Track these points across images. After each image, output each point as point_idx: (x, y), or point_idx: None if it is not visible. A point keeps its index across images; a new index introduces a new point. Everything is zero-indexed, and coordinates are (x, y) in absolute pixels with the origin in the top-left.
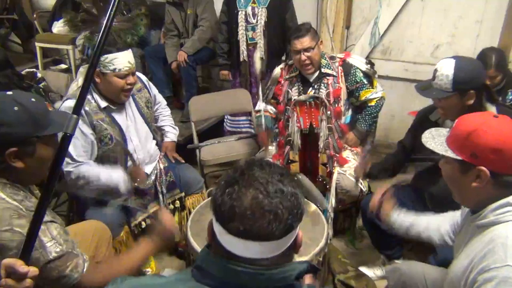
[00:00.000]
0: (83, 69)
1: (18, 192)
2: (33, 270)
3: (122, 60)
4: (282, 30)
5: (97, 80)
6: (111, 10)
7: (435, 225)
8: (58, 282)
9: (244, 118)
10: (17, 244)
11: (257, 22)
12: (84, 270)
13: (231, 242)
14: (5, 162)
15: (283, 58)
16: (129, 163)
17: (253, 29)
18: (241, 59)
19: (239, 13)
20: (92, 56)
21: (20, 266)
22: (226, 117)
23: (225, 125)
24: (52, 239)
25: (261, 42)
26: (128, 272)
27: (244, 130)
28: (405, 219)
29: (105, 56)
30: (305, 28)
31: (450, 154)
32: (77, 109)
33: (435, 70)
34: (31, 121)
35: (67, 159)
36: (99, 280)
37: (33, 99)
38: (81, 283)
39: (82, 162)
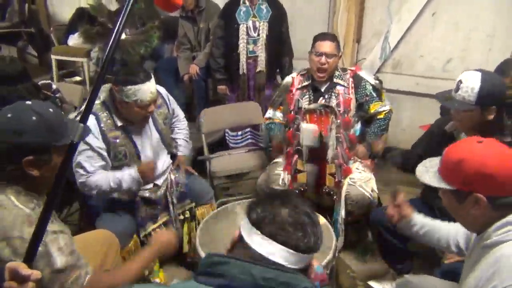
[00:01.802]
0: (104, 88)
1: (31, 200)
2: (36, 273)
3: (145, 91)
4: (280, 44)
5: (119, 107)
6: (121, 19)
7: (453, 232)
8: None
9: (243, 131)
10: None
11: (258, 35)
12: (84, 283)
13: (261, 243)
14: (21, 169)
15: (278, 70)
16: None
17: (254, 42)
18: (241, 72)
19: (240, 26)
20: (101, 66)
21: (23, 269)
22: (226, 132)
23: (228, 141)
24: (59, 249)
25: (262, 56)
26: (131, 280)
27: (245, 143)
28: (426, 222)
29: (129, 87)
30: (332, 36)
31: (444, 185)
32: (84, 118)
33: (459, 82)
34: (48, 131)
35: (80, 171)
36: None
37: (50, 109)
38: None
39: (94, 172)
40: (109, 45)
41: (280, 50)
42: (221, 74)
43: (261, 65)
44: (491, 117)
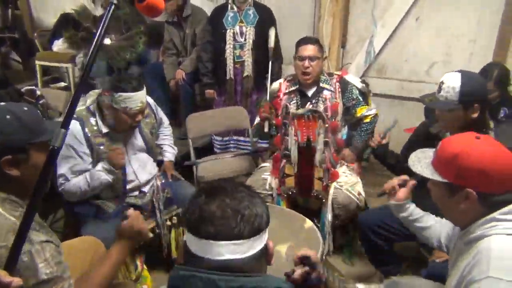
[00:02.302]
0: (93, 93)
1: (17, 209)
2: (17, 280)
3: (135, 100)
4: (267, 49)
5: (106, 112)
6: (103, 23)
7: (437, 228)
8: None
9: (228, 138)
10: None
11: (245, 40)
12: None
13: (202, 247)
14: (0, 171)
15: (267, 75)
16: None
17: (241, 47)
18: (228, 77)
19: (228, 31)
20: (83, 71)
21: (4, 276)
22: (213, 138)
23: (214, 146)
24: (45, 260)
25: (249, 60)
26: (107, 282)
27: (231, 150)
28: (415, 212)
29: (120, 94)
30: (314, 39)
31: (436, 177)
32: (65, 123)
33: (441, 83)
34: (23, 129)
35: (60, 180)
36: None
37: (25, 108)
38: None
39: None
40: (90, 51)
41: (268, 55)
42: (208, 78)
43: (248, 70)
44: (475, 115)
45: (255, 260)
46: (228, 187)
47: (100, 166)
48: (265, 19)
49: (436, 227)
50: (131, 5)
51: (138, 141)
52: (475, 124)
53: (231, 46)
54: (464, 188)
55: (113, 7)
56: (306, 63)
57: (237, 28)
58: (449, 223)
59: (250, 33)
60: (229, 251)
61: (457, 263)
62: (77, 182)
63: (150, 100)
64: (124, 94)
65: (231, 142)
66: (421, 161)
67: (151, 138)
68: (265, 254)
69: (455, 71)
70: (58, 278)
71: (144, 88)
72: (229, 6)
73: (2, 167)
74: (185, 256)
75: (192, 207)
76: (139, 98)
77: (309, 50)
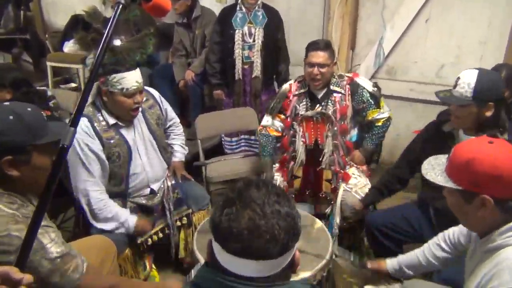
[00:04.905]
0: (93, 87)
1: (15, 201)
2: (28, 277)
3: (130, 79)
4: (275, 51)
5: (105, 98)
6: (111, 24)
7: (431, 254)
8: (61, 285)
9: (237, 138)
10: (17, 249)
11: (254, 41)
12: (84, 270)
13: (229, 261)
14: (0, 170)
15: (274, 76)
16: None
17: (250, 48)
18: (236, 78)
19: (236, 32)
20: (91, 69)
21: (15, 273)
22: (223, 138)
23: (224, 146)
24: (52, 240)
25: (258, 61)
26: None
27: (241, 149)
28: (400, 262)
29: (113, 75)
30: (325, 44)
31: (451, 184)
32: (74, 121)
33: (458, 78)
34: (26, 130)
35: (91, 180)
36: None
37: (29, 109)
38: (81, 286)
39: (103, 189)
40: (98, 52)
41: (277, 56)
42: (216, 79)
43: (257, 71)
44: (489, 113)
45: (280, 275)
46: (260, 198)
47: (133, 220)
48: (274, 21)
49: (426, 254)
50: (141, 6)
51: (145, 133)
52: (489, 123)
53: (240, 46)
54: (480, 194)
55: (120, 6)
56: (315, 70)
57: (245, 29)
58: (435, 239)
59: (259, 34)
60: (255, 269)
61: (475, 272)
62: (99, 208)
63: (154, 92)
64: (118, 75)
65: (242, 141)
66: (435, 168)
67: (157, 129)
68: (291, 266)
69: (473, 68)
70: (68, 255)
71: (138, 68)
72: (238, 6)
73: (3, 167)
74: (210, 257)
75: (222, 217)
76: (134, 77)
77: (319, 57)
